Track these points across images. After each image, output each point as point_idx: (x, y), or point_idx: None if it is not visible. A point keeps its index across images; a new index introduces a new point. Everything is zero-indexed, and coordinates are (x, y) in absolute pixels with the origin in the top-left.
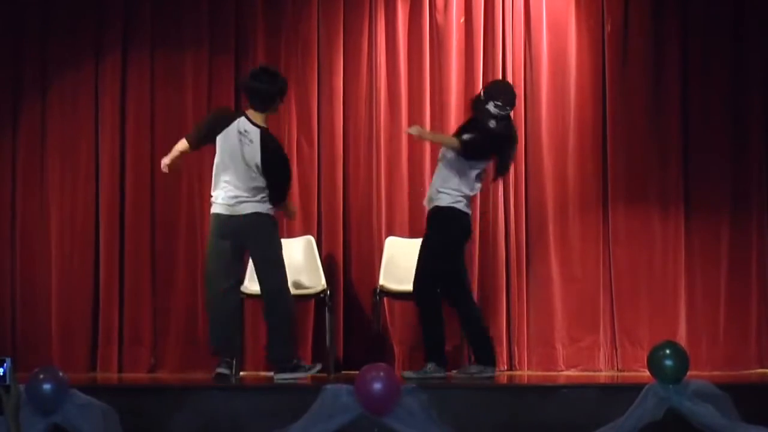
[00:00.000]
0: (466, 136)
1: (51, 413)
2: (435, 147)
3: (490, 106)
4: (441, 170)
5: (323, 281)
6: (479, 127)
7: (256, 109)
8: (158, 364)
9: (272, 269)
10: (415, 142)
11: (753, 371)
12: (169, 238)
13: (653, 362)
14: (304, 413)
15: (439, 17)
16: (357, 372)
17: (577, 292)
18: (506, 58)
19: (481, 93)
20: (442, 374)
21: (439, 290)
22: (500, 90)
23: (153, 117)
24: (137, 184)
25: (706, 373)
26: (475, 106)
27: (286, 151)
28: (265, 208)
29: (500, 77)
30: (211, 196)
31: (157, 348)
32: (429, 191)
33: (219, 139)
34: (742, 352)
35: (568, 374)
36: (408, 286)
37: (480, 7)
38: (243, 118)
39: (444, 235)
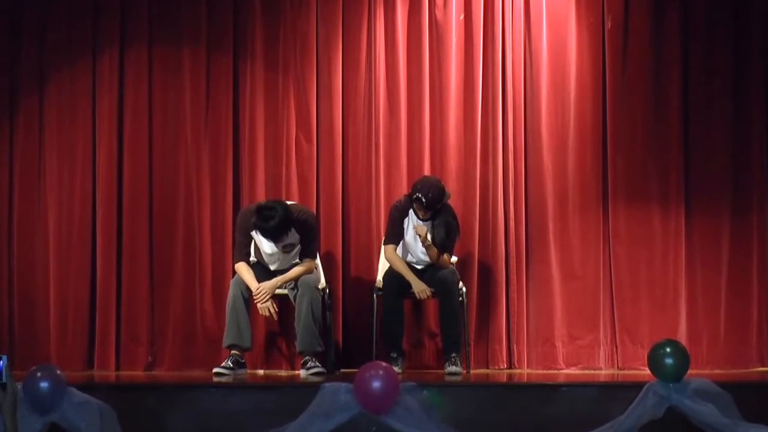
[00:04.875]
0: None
1: (48, 411)
2: (434, 146)
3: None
4: None
5: (322, 279)
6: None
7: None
8: (156, 362)
9: None
10: (414, 141)
11: (754, 370)
12: (167, 235)
13: (654, 360)
14: (303, 411)
15: (439, 14)
16: (356, 370)
17: (577, 290)
18: (506, 55)
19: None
20: None
21: None
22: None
23: (151, 114)
24: (134, 182)
25: (706, 372)
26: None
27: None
28: None
29: (500, 74)
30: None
31: (155, 346)
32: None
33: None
34: (742, 351)
35: (568, 372)
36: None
37: (479, 4)
38: None
39: None
